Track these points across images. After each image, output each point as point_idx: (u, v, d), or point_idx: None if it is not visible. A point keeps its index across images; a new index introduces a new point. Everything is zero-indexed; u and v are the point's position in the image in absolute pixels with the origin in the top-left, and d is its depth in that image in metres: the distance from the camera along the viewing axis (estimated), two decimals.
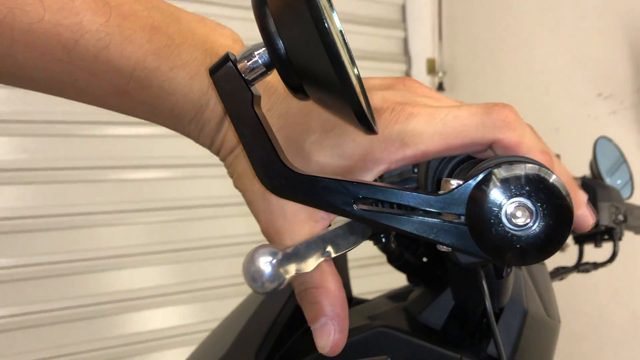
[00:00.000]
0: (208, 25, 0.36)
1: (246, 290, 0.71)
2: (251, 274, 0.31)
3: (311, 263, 0.32)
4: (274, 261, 0.30)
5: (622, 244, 1.47)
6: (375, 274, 1.76)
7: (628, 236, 0.91)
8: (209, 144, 0.37)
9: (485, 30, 1.99)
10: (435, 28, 2.16)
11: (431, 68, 2.13)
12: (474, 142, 0.33)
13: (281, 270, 0.31)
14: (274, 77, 0.34)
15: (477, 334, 0.56)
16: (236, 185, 0.37)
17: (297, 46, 0.27)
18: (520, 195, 0.29)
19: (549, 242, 0.29)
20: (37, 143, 1.48)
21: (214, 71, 0.30)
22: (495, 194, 0.29)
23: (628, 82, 1.52)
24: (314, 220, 0.34)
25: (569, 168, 0.87)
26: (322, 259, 0.33)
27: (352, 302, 0.73)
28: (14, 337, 1.46)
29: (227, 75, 0.30)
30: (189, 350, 0.65)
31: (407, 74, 2.19)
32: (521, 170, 0.29)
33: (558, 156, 0.44)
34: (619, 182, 0.83)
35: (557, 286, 1.62)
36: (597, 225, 0.70)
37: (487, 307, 0.47)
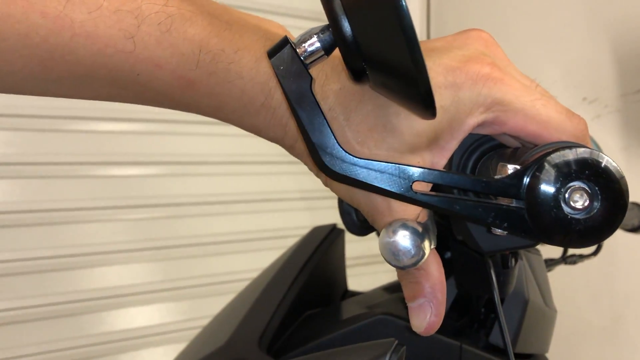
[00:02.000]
0: (256, 17, 0.35)
1: (234, 288, 0.71)
2: (391, 250, 0.30)
3: (433, 243, 0.33)
4: (412, 235, 0.30)
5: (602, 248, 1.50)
6: (361, 274, 1.77)
7: (607, 241, 0.92)
8: (282, 133, 0.34)
9: None
10: (423, 31, 2.16)
11: None
12: (548, 137, 0.33)
13: (421, 246, 0.31)
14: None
15: (476, 324, 0.57)
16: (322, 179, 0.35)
17: (367, 28, 0.26)
18: (578, 179, 0.29)
19: (607, 224, 0.30)
20: (23, 137, 1.46)
21: (272, 54, 0.30)
22: (553, 179, 0.29)
23: (612, 87, 1.55)
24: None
25: None
26: (434, 241, 0.33)
27: (348, 294, 0.73)
28: None
29: (285, 58, 0.30)
30: (175, 347, 0.64)
31: None
32: (575, 154, 0.29)
33: None
34: None
35: None
36: None
37: (495, 296, 0.48)
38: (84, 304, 1.53)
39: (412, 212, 0.33)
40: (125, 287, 1.59)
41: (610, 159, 0.30)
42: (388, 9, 0.23)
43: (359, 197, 0.34)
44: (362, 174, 0.31)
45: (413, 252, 0.30)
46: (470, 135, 0.34)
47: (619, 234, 0.95)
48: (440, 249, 0.60)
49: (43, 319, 1.49)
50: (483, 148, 0.38)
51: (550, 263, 0.76)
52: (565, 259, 0.77)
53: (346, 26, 0.27)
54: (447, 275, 0.56)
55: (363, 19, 0.26)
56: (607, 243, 1.05)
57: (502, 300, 0.55)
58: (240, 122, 0.34)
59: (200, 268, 1.67)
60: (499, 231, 0.31)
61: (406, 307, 0.59)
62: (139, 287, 1.61)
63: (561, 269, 0.96)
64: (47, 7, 0.27)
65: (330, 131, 0.30)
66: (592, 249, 0.77)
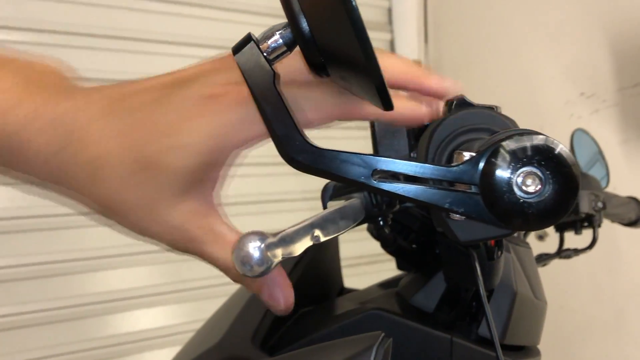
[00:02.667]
0: (25, 58, 0.35)
1: (235, 290, 0.72)
2: (240, 258, 0.32)
3: (299, 247, 0.34)
4: (262, 246, 0.32)
5: (603, 243, 1.50)
6: (363, 274, 1.78)
7: (610, 234, 0.93)
8: (53, 179, 0.34)
9: (470, 32, 2.01)
10: (421, 30, 2.17)
11: None
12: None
13: (269, 254, 0.32)
14: None
15: (468, 317, 0.58)
16: (106, 214, 0.36)
17: (322, 24, 0.28)
18: (530, 164, 0.30)
19: (557, 207, 0.31)
20: None
21: (236, 50, 0.31)
22: (506, 164, 0.30)
23: (609, 82, 1.55)
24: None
25: None
26: (310, 243, 0.34)
27: (344, 291, 0.74)
28: (3, 337, 1.45)
29: (249, 54, 0.31)
30: (179, 349, 0.66)
31: None
32: (530, 141, 0.30)
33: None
34: (595, 175, 0.86)
35: (544, 281, 1.63)
36: (577, 212, 0.72)
37: (480, 287, 0.49)
38: (88, 308, 1.55)
39: (169, 193, 0.33)
40: (129, 290, 1.60)
41: (564, 147, 0.30)
42: (339, 7, 0.25)
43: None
44: (327, 164, 0.32)
45: (260, 261, 0.32)
46: (445, 127, 0.35)
47: (622, 229, 0.95)
48: (429, 243, 0.61)
49: (47, 324, 1.51)
50: (457, 140, 0.39)
51: (545, 257, 0.77)
52: (560, 254, 0.78)
53: (304, 24, 0.29)
54: (436, 269, 0.57)
55: (318, 17, 0.28)
56: (610, 238, 1.05)
57: (491, 292, 0.56)
58: (9, 166, 0.35)
59: (203, 270, 1.67)
60: (456, 216, 0.32)
61: (400, 302, 0.60)
62: (142, 290, 1.62)
63: (564, 264, 0.97)
64: None
65: (294, 124, 0.32)
66: (587, 242, 0.77)
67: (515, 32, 1.83)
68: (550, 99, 1.71)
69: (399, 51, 2.20)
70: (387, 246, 0.60)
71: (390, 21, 2.21)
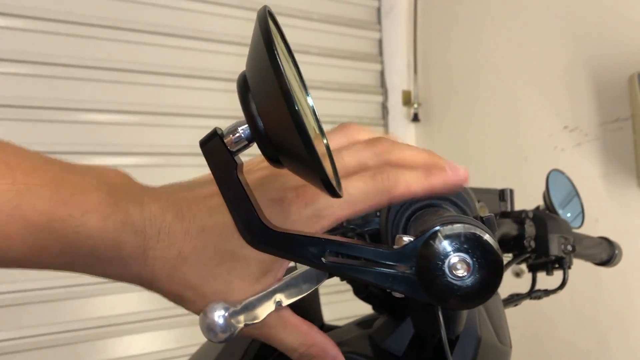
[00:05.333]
0: (97, 170, 0.38)
1: None
2: (206, 326, 0.36)
3: (262, 313, 0.37)
4: (226, 314, 0.36)
5: (586, 273, 1.53)
6: (352, 299, 1.79)
7: (591, 266, 0.96)
8: (137, 279, 0.38)
9: (458, 64, 2.05)
10: (410, 62, 2.21)
11: (406, 100, 2.18)
12: (376, 204, 0.39)
13: (232, 321, 0.36)
14: None
15: None
16: (187, 307, 0.39)
17: (274, 126, 0.31)
18: (460, 250, 0.33)
19: (483, 289, 0.34)
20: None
21: (203, 144, 0.35)
22: (439, 250, 0.33)
23: (592, 116, 1.59)
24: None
25: (536, 194, 0.92)
26: (273, 308, 0.38)
27: (324, 328, 0.76)
28: None
29: (215, 147, 0.34)
30: None
31: (384, 105, 2.24)
32: (460, 229, 0.34)
33: None
34: (569, 215, 0.89)
35: (531, 311, 1.66)
36: (547, 255, 0.75)
37: (442, 335, 0.51)
38: (80, 333, 1.56)
39: (236, 295, 0.38)
40: (121, 316, 1.62)
41: (490, 236, 0.34)
42: (286, 113, 0.29)
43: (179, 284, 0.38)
44: (283, 246, 0.35)
45: (224, 328, 0.36)
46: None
47: (600, 268, 0.98)
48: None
49: (42, 348, 1.53)
50: (414, 206, 0.43)
51: (517, 298, 0.80)
52: (530, 294, 0.81)
53: (260, 124, 0.32)
54: (405, 315, 0.60)
55: (271, 119, 0.31)
56: (591, 268, 1.08)
57: (457, 338, 0.58)
58: (95, 272, 0.37)
59: None
60: (398, 294, 0.35)
61: (372, 345, 0.63)
62: (134, 316, 1.64)
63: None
64: None
65: (253, 209, 0.35)
66: (557, 282, 0.80)
67: (501, 65, 1.87)
68: (534, 131, 1.74)
69: (389, 81, 2.24)
70: (359, 293, 0.62)
71: (380, 52, 2.26)
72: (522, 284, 0.86)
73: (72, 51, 1.60)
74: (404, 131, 2.17)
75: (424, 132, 2.19)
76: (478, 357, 0.58)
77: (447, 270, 0.33)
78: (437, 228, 0.34)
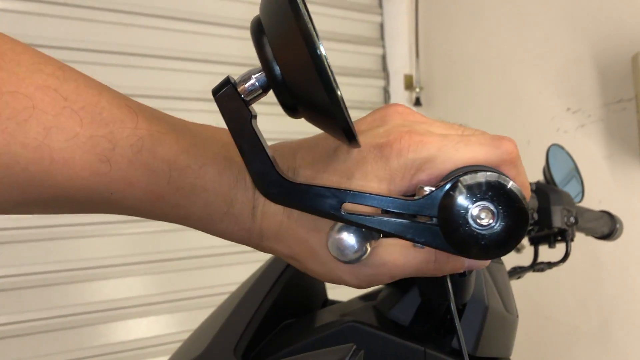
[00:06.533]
0: (210, 128, 0.38)
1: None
2: (337, 245, 0.35)
3: (375, 242, 0.36)
4: (359, 235, 0.34)
5: (587, 255, 1.53)
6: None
7: (593, 246, 0.95)
8: (246, 236, 0.37)
9: (460, 47, 2.04)
10: (412, 45, 2.20)
11: (408, 84, 2.18)
12: (466, 165, 0.35)
13: (364, 243, 0.35)
14: None
15: (442, 329, 0.60)
16: (297, 264, 0.38)
17: (292, 71, 0.30)
18: (484, 199, 0.33)
19: (508, 239, 0.33)
20: None
21: (216, 92, 0.33)
22: (462, 199, 0.33)
23: (595, 97, 1.58)
24: None
25: (539, 177, 0.91)
26: (376, 239, 0.36)
27: (327, 303, 0.76)
28: None
29: (228, 96, 0.33)
30: None
31: (386, 89, 2.24)
32: (483, 177, 0.33)
33: None
34: (569, 191, 0.88)
35: (529, 293, 1.66)
36: (550, 227, 0.75)
37: (451, 303, 0.51)
38: (82, 317, 1.57)
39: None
40: (123, 300, 1.62)
41: (514, 183, 0.33)
42: (307, 56, 0.28)
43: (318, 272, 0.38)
44: (300, 198, 0.34)
45: (356, 247, 0.34)
46: None
47: (604, 242, 0.98)
48: None
49: (44, 332, 1.53)
50: None
51: (520, 270, 0.80)
52: (534, 267, 0.80)
53: (276, 70, 0.31)
54: (411, 284, 0.60)
55: (289, 64, 0.30)
56: (593, 249, 1.07)
57: (464, 307, 0.58)
58: (206, 229, 0.37)
59: (196, 280, 1.70)
60: (418, 245, 0.35)
61: (377, 315, 0.62)
62: (137, 300, 1.64)
63: (549, 276, 0.99)
64: (28, 138, 0.29)
65: (269, 160, 0.34)
66: (560, 256, 0.80)
67: (503, 48, 1.86)
68: (537, 114, 1.74)
69: (391, 65, 2.23)
70: None
71: (382, 36, 2.25)
72: (523, 261, 0.85)
73: (75, 34, 1.59)
74: None
75: (426, 116, 2.18)
76: (486, 325, 0.58)
77: (470, 220, 0.33)
78: (459, 177, 0.33)
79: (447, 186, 0.33)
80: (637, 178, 1.50)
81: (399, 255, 0.36)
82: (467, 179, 0.33)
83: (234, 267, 1.73)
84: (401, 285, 0.62)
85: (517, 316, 0.64)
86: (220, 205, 0.35)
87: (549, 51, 1.71)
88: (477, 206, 0.33)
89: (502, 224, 0.33)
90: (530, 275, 0.84)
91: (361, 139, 0.36)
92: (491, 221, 0.33)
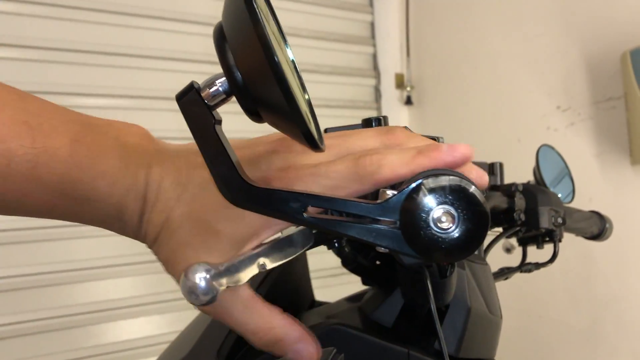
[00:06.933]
0: (116, 128, 0.39)
1: None
2: (187, 288, 0.35)
3: (245, 276, 0.36)
4: (208, 276, 0.35)
5: (579, 253, 1.53)
6: (347, 283, 1.79)
7: (585, 245, 0.95)
8: (135, 237, 0.40)
9: (451, 46, 2.05)
10: (403, 44, 2.20)
11: (399, 82, 2.18)
12: (358, 191, 0.36)
13: (214, 283, 0.35)
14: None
15: (426, 331, 0.60)
16: (167, 270, 0.39)
17: (252, 77, 0.30)
18: (444, 203, 0.33)
19: (469, 242, 0.33)
20: None
21: (180, 98, 0.34)
22: (424, 202, 0.33)
23: (584, 96, 1.59)
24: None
25: (529, 176, 0.91)
26: (257, 271, 0.37)
27: (315, 304, 0.76)
28: None
29: (191, 101, 0.33)
30: None
31: (377, 88, 2.24)
32: (445, 181, 0.33)
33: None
34: (560, 193, 0.88)
35: (521, 292, 1.66)
36: (538, 228, 0.75)
37: (431, 304, 0.51)
38: (73, 319, 1.56)
39: (216, 249, 0.37)
40: (115, 301, 1.62)
41: (476, 187, 0.33)
42: (264, 63, 0.28)
43: (165, 247, 0.39)
44: (263, 202, 0.34)
45: (205, 291, 0.35)
46: None
47: (593, 247, 0.98)
48: (390, 260, 0.63)
49: (35, 334, 1.53)
50: None
51: (507, 271, 0.80)
52: (521, 268, 0.80)
53: (238, 76, 0.31)
54: (394, 286, 0.60)
55: (249, 70, 0.30)
56: (584, 248, 1.07)
57: (446, 308, 0.58)
58: (100, 226, 0.39)
59: None
60: (382, 249, 0.35)
61: (361, 317, 0.62)
62: (128, 301, 1.64)
63: (541, 275, 0.99)
64: None
65: (233, 166, 0.34)
66: (548, 257, 0.80)
67: (493, 46, 1.86)
68: (527, 112, 1.74)
69: (382, 64, 2.23)
70: (348, 264, 0.62)
71: (373, 35, 2.25)
72: (513, 261, 0.85)
73: (63, 34, 1.59)
74: (397, 114, 2.16)
75: (417, 115, 2.18)
76: (468, 326, 0.58)
77: (431, 223, 0.33)
78: (421, 181, 0.33)
79: (409, 189, 0.33)
80: (626, 176, 1.50)
81: (234, 309, 0.38)
82: (430, 182, 0.33)
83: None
84: (385, 287, 0.62)
85: (501, 317, 0.64)
86: (111, 212, 0.37)
87: (539, 49, 1.71)
88: (438, 209, 0.33)
89: (462, 227, 0.33)
90: (522, 275, 0.84)
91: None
92: (451, 225, 0.33)
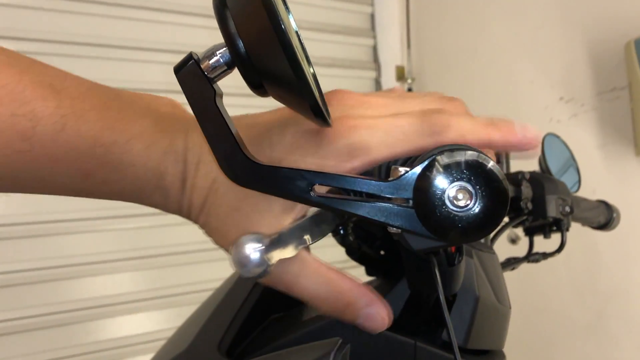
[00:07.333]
0: (146, 98, 0.37)
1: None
2: (238, 260, 0.33)
3: (292, 249, 0.34)
4: (262, 247, 0.33)
5: (583, 245, 1.52)
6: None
7: (589, 237, 0.94)
8: (178, 209, 0.37)
9: (451, 38, 2.03)
10: (403, 36, 2.19)
11: (400, 75, 2.16)
12: (417, 148, 0.34)
13: (267, 256, 0.33)
14: None
15: (433, 321, 0.58)
16: (216, 242, 0.38)
17: (256, 46, 0.28)
18: (461, 179, 0.31)
19: (487, 221, 0.31)
20: None
21: (178, 69, 0.32)
22: (438, 179, 0.31)
23: (587, 86, 1.57)
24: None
25: (533, 168, 0.90)
26: (300, 247, 0.35)
27: None
28: None
29: (190, 73, 0.31)
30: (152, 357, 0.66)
31: (377, 81, 2.22)
32: (461, 156, 0.31)
33: None
34: (566, 184, 0.87)
35: (525, 285, 1.65)
36: (545, 217, 0.73)
37: (440, 293, 0.49)
38: (71, 315, 1.55)
39: (267, 215, 0.35)
40: (113, 297, 1.61)
41: (494, 163, 0.31)
42: (270, 31, 0.26)
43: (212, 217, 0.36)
44: (267, 180, 0.32)
45: (258, 263, 0.33)
46: None
47: (600, 233, 0.97)
48: (394, 250, 0.61)
49: (32, 330, 1.51)
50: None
51: (514, 262, 0.78)
52: (528, 258, 0.79)
53: (240, 45, 0.29)
54: (401, 275, 0.58)
55: (253, 40, 0.28)
56: (589, 240, 1.06)
57: (454, 298, 0.57)
58: (140, 202, 0.37)
59: (186, 276, 1.68)
60: (393, 229, 0.33)
61: None
62: (126, 297, 1.62)
63: (545, 268, 0.97)
64: None
65: (235, 141, 0.32)
66: (556, 246, 0.78)
67: (494, 37, 1.85)
68: (529, 103, 1.73)
69: (382, 57, 2.21)
70: (352, 254, 0.60)
71: (373, 27, 2.23)
72: (518, 252, 0.84)
73: (59, 27, 1.57)
74: None
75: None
76: (476, 316, 0.57)
77: (447, 201, 0.31)
78: (435, 156, 0.31)
79: (423, 166, 0.31)
80: (630, 167, 1.49)
81: (302, 277, 0.36)
82: (444, 158, 0.31)
83: (224, 261, 1.70)
84: (390, 277, 0.60)
85: (510, 307, 0.63)
86: (150, 179, 0.35)
87: (541, 40, 1.69)
88: (454, 187, 0.31)
89: (480, 205, 0.31)
90: (526, 267, 0.82)
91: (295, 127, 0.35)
92: (469, 202, 0.31)
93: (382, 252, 0.64)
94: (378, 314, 0.39)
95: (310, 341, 0.55)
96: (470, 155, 0.31)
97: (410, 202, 0.32)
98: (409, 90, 2.15)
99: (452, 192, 0.31)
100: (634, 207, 1.45)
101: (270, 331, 0.61)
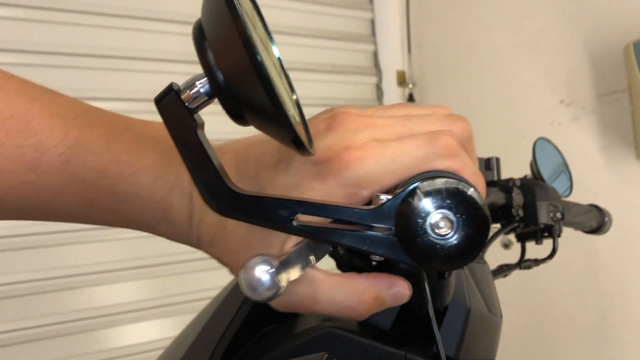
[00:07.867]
0: (155, 127, 0.37)
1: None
2: (247, 283, 0.32)
3: (297, 272, 0.34)
4: (272, 270, 0.32)
5: (584, 249, 1.51)
6: None
7: (589, 240, 0.94)
8: (187, 241, 0.37)
9: (452, 42, 2.03)
10: (404, 41, 2.19)
11: (401, 80, 2.16)
12: (424, 171, 0.33)
13: (276, 278, 0.32)
14: None
15: (425, 333, 0.58)
16: (233, 274, 0.38)
17: (234, 77, 0.28)
18: (442, 207, 0.31)
19: (469, 248, 0.31)
20: None
21: (158, 100, 0.31)
22: (420, 207, 0.31)
23: (588, 89, 1.57)
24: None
25: (526, 173, 0.90)
26: (311, 264, 0.35)
27: None
28: None
29: (171, 104, 0.31)
30: None
31: (378, 86, 2.22)
32: (442, 184, 0.31)
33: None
34: (558, 188, 0.86)
35: (526, 289, 1.65)
36: (536, 223, 0.73)
37: (429, 307, 0.49)
38: (75, 324, 1.56)
39: (275, 247, 0.35)
40: (116, 306, 1.61)
41: (474, 190, 0.31)
42: (247, 63, 0.26)
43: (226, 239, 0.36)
44: (249, 210, 0.32)
45: (270, 286, 0.31)
46: None
47: (601, 236, 0.96)
48: (386, 262, 0.62)
49: (36, 340, 1.52)
50: None
51: (506, 269, 0.78)
52: (520, 264, 0.79)
53: (219, 76, 0.29)
54: None
55: (232, 71, 0.28)
56: (589, 244, 1.06)
57: (445, 309, 0.57)
58: (147, 231, 0.37)
59: (189, 284, 1.69)
60: (377, 257, 0.33)
61: (358, 320, 0.61)
62: (130, 306, 1.63)
63: (546, 271, 0.97)
64: None
65: (217, 172, 0.32)
66: (547, 252, 0.78)
67: (495, 41, 1.85)
68: (530, 107, 1.72)
69: (383, 62, 2.21)
70: (343, 266, 0.61)
71: (373, 32, 2.23)
72: (512, 257, 0.84)
73: (55, 39, 1.58)
74: None
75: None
76: (468, 328, 0.57)
77: (428, 229, 0.31)
78: (417, 184, 0.31)
79: (405, 193, 0.31)
80: (632, 170, 1.48)
81: (320, 294, 0.35)
82: (425, 186, 0.31)
83: (227, 270, 1.72)
84: None
85: (501, 317, 0.63)
86: (156, 211, 0.35)
87: (541, 43, 1.69)
88: (435, 215, 0.31)
89: (462, 232, 0.31)
90: (526, 272, 0.82)
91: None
92: (450, 230, 0.31)
93: (374, 263, 0.64)
94: (401, 291, 0.39)
95: (304, 352, 0.55)
96: (449, 182, 0.31)
97: (393, 230, 0.32)
98: (410, 95, 2.14)
99: (433, 219, 0.31)
100: (635, 209, 1.44)
101: (262, 343, 0.62)
